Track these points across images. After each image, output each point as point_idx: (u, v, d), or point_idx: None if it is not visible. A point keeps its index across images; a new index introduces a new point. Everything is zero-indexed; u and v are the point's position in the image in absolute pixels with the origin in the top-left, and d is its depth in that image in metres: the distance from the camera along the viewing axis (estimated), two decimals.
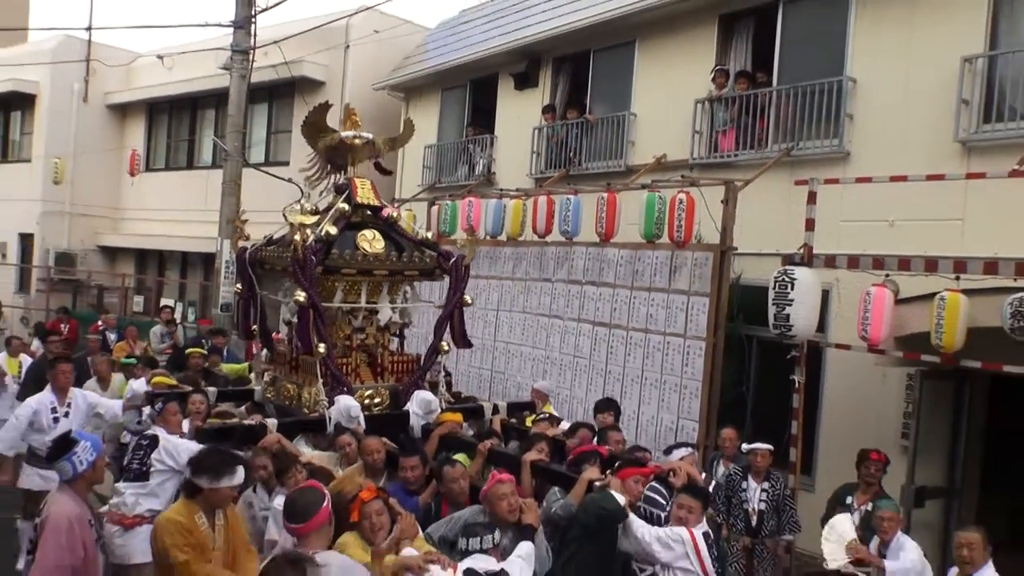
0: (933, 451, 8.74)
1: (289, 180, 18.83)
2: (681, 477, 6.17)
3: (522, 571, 4.86)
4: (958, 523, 8.23)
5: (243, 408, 8.10)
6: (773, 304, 8.15)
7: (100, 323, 15.79)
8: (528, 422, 8.24)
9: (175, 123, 25.40)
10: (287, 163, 20.67)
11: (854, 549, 6.46)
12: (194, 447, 6.48)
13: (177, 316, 20.94)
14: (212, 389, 8.38)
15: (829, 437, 9.54)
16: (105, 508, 6.72)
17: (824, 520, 7.49)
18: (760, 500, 7.84)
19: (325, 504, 4.62)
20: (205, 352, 11.97)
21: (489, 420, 8.11)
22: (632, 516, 5.61)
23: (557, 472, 6.32)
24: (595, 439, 7.57)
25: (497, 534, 4.90)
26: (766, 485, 7.89)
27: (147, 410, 7.82)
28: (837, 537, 6.67)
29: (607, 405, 8.90)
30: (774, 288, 8.15)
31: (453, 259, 7.86)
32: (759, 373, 10.49)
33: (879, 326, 7.64)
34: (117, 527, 6.55)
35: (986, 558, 5.71)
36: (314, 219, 7.53)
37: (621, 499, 5.54)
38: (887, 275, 7.75)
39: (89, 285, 24.74)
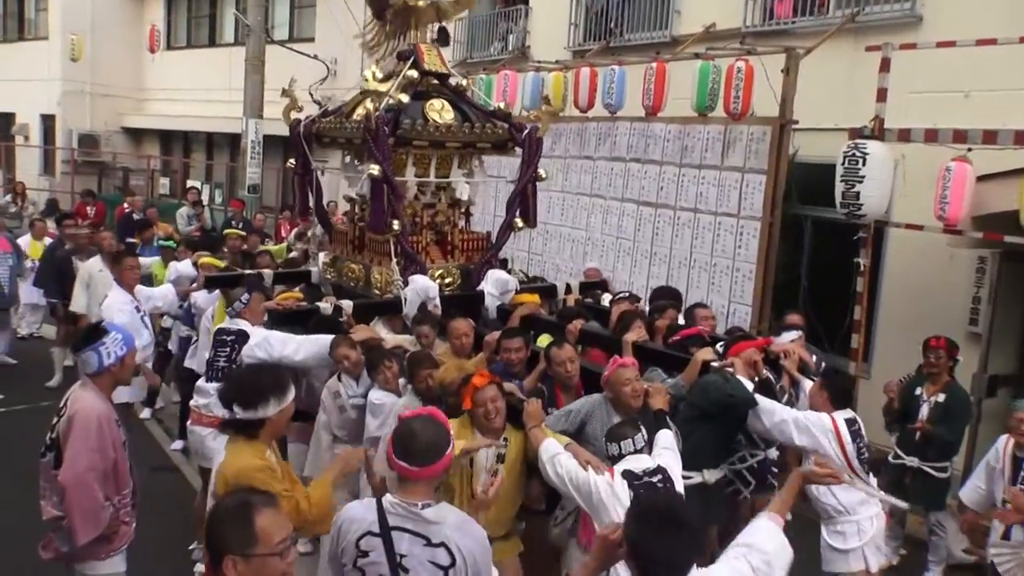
0: (1006, 338, 8.25)
1: (315, 57, 18.28)
2: (794, 360, 5.78)
3: (675, 461, 4.47)
4: None
5: (296, 290, 7.61)
6: (842, 181, 7.57)
7: (126, 205, 15.49)
8: (606, 301, 7.75)
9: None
10: (312, 39, 19.94)
11: None
12: (288, 337, 6.02)
13: (204, 198, 20.68)
14: (267, 271, 7.86)
15: (888, 323, 9.06)
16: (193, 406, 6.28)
17: (887, 410, 7.11)
18: None
19: (450, 449, 3.57)
20: (242, 233, 11.49)
21: (563, 299, 7.72)
22: (761, 398, 5.13)
23: (661, 352, 5.94)
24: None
25: (644, 431, 4.40)
26: None
27: (199, 297, 7.43)
28: None
29: (667, 294, 8.03)
30: (844, 164, 7.56)
31: (527, 131, 7.35)
32: (813, 255, 9.95)
33: (959, 205, 7.08)
34: (210, 430, 5.99)
35: None
36: (386, 87, 6.95)
37: (748, 384, 5.12)
38: (969, 149, 7.11)
39: (114, 167, 24.45)
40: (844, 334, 8.57)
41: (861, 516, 5.26)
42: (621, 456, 4.29)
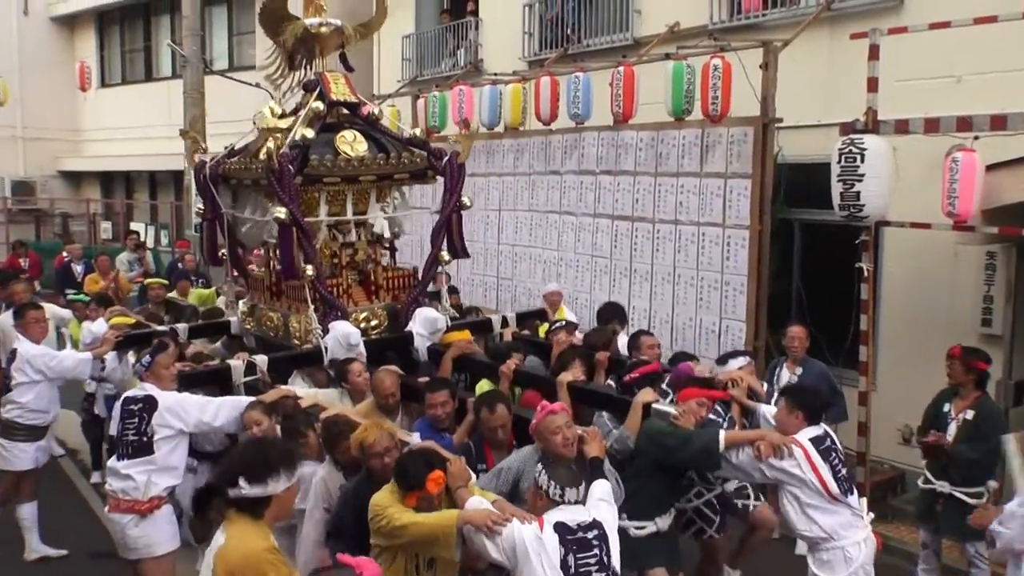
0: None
1: (256, 85, 17.43)
2: (743, 389, 5.49)
3: (611, 514, 4.11)
4: None
5: (219, 344, 7.11)
6: (839, 181, 6.95)
7: (65, 254, 14.60)
8: (541, 332, 7.49)
9: (128, 32, 23.96)
10: (253, 67, 19.20)
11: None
12: (205, 401, 5.45)
13: (150, 240, 19.77)
14: (182, 325, 7.34)
15: (891, 330, 8.42)
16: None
17: (922, 432, 6.43)
18: None
19: None
20: (164, 281, 10.76)
21: (499, 334, 7.40)
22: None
23: (601, 394, 5.65)
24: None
25: (583, 486, 4.00)
26: (800, 371, 7.24)
27: (108, 361, 6.66)
28: None
29: (612, 312, 7.89)
30: (840, 162, 6.94)
31: (446, 157, 7.00)
32: (805, 262, 9.34)
33: (969, 198, 6.49)
34: (131, 516, 5.32)
35: None
36: (287, 123, 6.51)
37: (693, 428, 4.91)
38: (976, 137, 6.52)
39: (52, 214, 23.52)
40: (849, 346, 7.94)
41: (847, 541, 4.81)
42: (559, 502, 3.88)
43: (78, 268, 13.78)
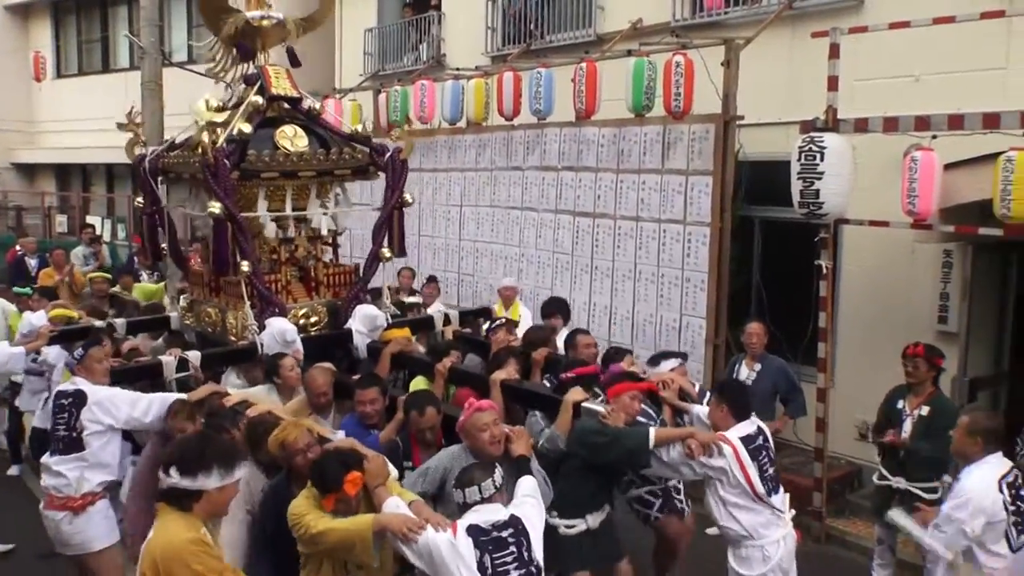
0: (982, 337, 7.78)
1: (214, 78, 17.29)
2: (674, 390, 5.58)
3: (535, 510, 4.11)
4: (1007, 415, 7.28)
5: (160, 340, 7.04)
6: (799, 179, 6.98)
7: (18, 248, 14.25)
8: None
9: (85, 22, 23.43)
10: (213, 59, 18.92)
11: None
12: (136, 397, 5.39)
13: (106, 234, 19.42)
14: (120, 320, 7.30)
15: (849, 326, 8.46)
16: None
17: (877, 433, 6.47)
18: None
19: None
20: (108, 275, 10.68)
21: (440, 332, 7.41)
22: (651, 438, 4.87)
23: (533, 393, 5.67)
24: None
25: (498, 475, 4.01)
26: (759, 367, 7.32)
27: (51, 352, 6.55)
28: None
29: (556, 307, 8.00)
30: (799, 160, 6.98)
31: (388, 154, 6.97)
32: (765, 259, 9.37)
33: (928, 197, 6.55)
34: (64, 513, 5.26)
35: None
36: (224, 116, 6.42)
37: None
38: (934, 136, 6.57)
39: (6, 207, 23.01)
40: (808, 342, 7.99)
41: (766, 540, 4.90)
42: (467, 505, 3.94)
43: (32, 262, 13.49)
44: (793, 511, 5.14)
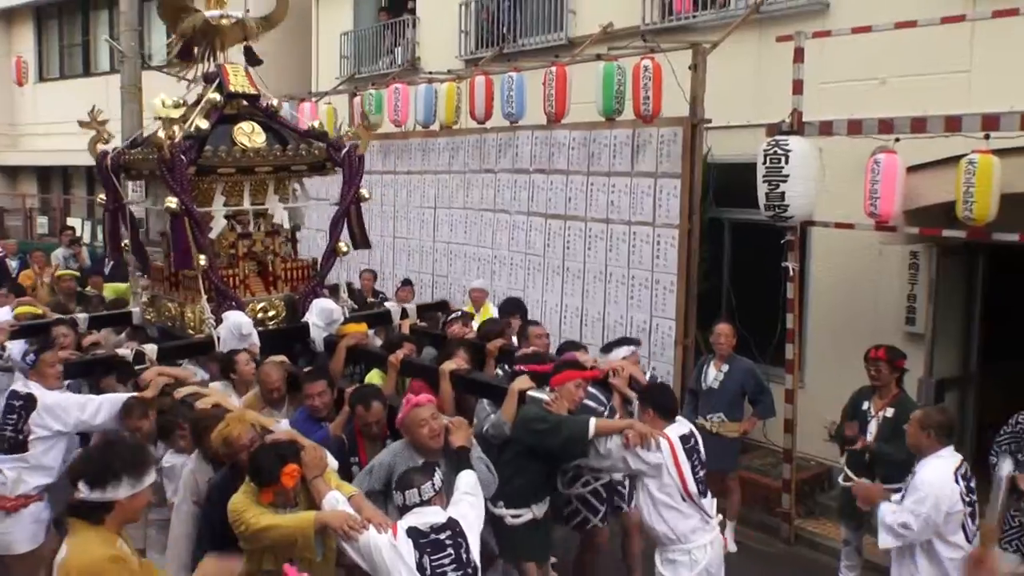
0: (949, 338, 7.83)
1: (193, 81, 17.23)
2: (624, 378, 5.50)
3: (473, 508, 4.18)
4: (975, 417, 7.38)
5: (123, 335, 7.15)
6: (764, 182, 7.02)
7: None
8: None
9: (66, 26, 23.46)
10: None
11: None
12: (85, 400, 5.46)
13: (86, 236, 19.39)
14: (82, 315, 7.43)
15: (818, 328, 8.52)
16: None
17: (838, 433, 6.50)
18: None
19: None
20: (76, 273, 10.89)
21: (398, 326, 7.47)
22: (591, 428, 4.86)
23: (482, 382, 5.73)
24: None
25: (437, 477, 4.05)
26: (727, 368, 7.32)
27: (13, 351, 6.54)
28: None
29: (513, 307, 8.11)
30: (765, 163, 7.01)
31: (345, 150, 7.11)
32: (734, 261, 9.42)
33: (890, 200, 6.57)
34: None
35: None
36: (181, 112, 6.54)
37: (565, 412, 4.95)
38: (897, 139, 6.63)
39: None
40: (776, 344, 8.04)
41: (694, 544, 4.91)
42: (407, 507, 3.98)
43: (13, 264, 13.60)
44: (720, 516, 5.18)
